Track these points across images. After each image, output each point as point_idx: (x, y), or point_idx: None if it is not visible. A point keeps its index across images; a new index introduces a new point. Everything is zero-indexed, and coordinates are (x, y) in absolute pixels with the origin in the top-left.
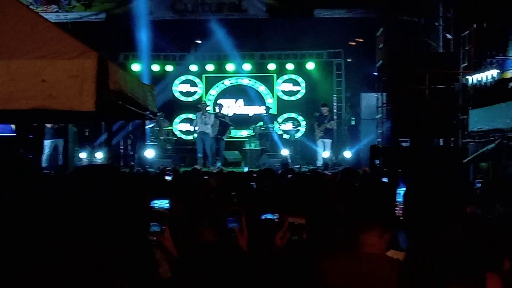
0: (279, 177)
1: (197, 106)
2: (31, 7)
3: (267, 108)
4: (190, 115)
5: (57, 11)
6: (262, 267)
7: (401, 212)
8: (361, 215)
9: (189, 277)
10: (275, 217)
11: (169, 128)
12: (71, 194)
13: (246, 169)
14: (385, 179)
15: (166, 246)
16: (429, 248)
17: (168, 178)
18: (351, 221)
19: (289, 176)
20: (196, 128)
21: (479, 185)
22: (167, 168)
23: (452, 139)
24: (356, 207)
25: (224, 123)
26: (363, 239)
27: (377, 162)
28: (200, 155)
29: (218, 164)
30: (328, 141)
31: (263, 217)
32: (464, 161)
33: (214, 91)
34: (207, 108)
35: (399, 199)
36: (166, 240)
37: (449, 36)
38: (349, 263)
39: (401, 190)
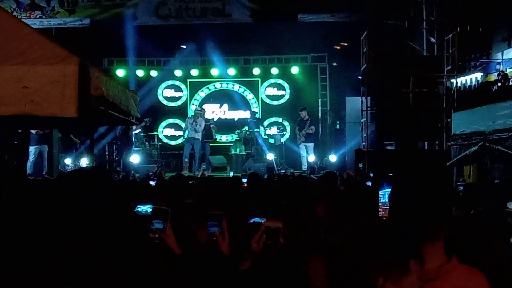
0: (264, 181)
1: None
2: (15, 13)
3: (253, 113)
4: (175, 120)
5: (40, 17)
6: (241, 271)
7: (384, 213)
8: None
9: (187, 276)
10: (263, 221)
11: (155, 133)
12: (61, 196)
13: (231, 174)
14: (368, 183)
15: (168, 243)
16: None
17: (152, 183)
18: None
19: (275, 180)
20: (185, 133)
21: (461, 187)
22: (150, 174)
23: (437, 142)
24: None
25: (208, 126)
26: None
27: (361, 165)
28: (186, 159)
29: (203, 166)
30: (311, 145)
31: (251, 221)
32: (447, 164)
33: (198, 96)
34: (204, 115)
35: (383, 200)
36: (168, 237)
37: (432, 39)
38: None
39: (385, 192)
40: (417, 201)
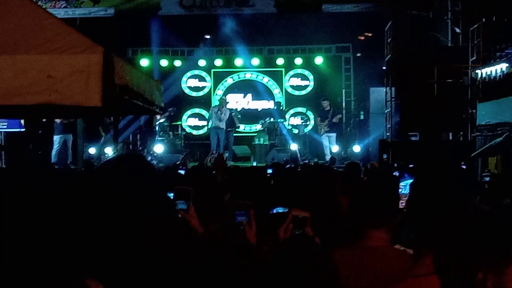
0: (287, 171)
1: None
2: (39, 3)
3: (277, 103)
4: (199, 110)
5: (65, 7)
6: (265, 261)
7: (405, 204)
8: (373, 212)
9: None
10: (285, 210)
11: (178, 123)
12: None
13: (255, 164)
14: (396, 173)
15: (191, 223)
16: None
17: (181, 172)
18: (359, 216)
19: (298, 170)
20: (209, 123)
21: (487, 179)
22: (177, 163)
23: (461, 133)
24: (367, 203)
25: (230, 115)
26: (371, 233)
27: (385, 156)
28: (214, 150)
29: (225, 155)
30: (333, 135)
31: (274, 211)
32: (472, 155)
33: (222, 86)
34: (227, 106)
35: (404, 191)
36: (191, 217)
37: (457, 30)
38: (359, 256)
39: (406, 183)
40: (438, 192)
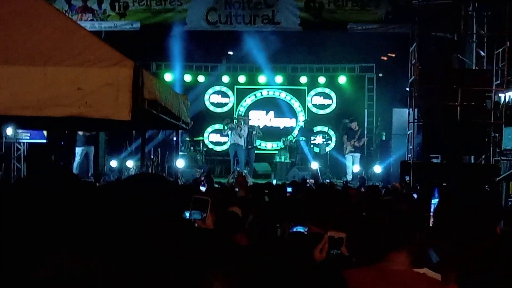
0: (306, 190)
1: (231, 118)
2: (66, 15)
3: (306, 121)
4: (221, 126)
5: (92, 20)
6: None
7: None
8: (394, 236)
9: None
10: (305, 229)
11: (200, 138)
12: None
13: (275, 182)
14: (414, 195)
15: None
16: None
17: (202, 188)
18: (379, 238)
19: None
20: (228, 134)
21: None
22: (201, 178)
23: (483, 156)
24: (390, 226)
25: (250, 133)
26: (392, 256)
27: (407, 178)
28: (232, 167)
29: (245, 171)
30: (358, 155)
31: (294, 229)
32: (497, 179)
33: (245, 103)
34: (246, 121)
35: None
36: (208, 227)
37: (482, 53)
38: (379, 278)
39: (436, 201)
40: (463, 213)
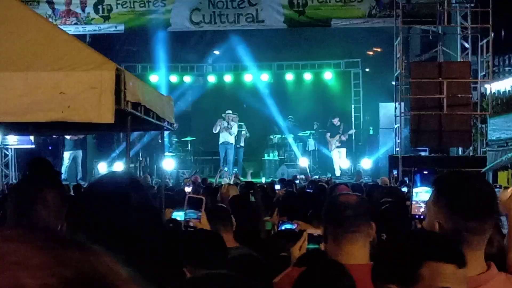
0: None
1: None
2: (50, 19)
3: (290, 119)
4: None
5: (76, 24)
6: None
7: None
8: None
9: None
10: (294, 226)
11: (188, 139)
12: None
13: (264, 180)
14: (404, 189)
15: None
16: None
17: (187, 189)
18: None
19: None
20: (217, 130)
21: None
22: (186, 178)
23: (471, 148)
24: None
25: (239, 132)
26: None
27: (395, 172)
28: (225, 168)
29: (235, 170)
30: (343, 150)
31: (283, 227)
32: (483, 170)
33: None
34: (235, 120)
35: (415, 198)
36: (203, 226)
37: (466, 45)
38: None
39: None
40: (464, 204)
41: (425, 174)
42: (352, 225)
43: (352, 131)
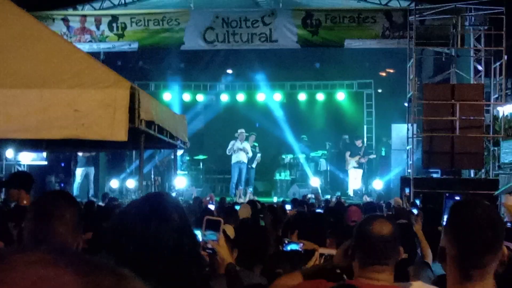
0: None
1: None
2: (65, 37)
3: (304, 138)
4: None
5: (90, 41)
6: None
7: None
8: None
9: None
10: (299, 246)
11: (200, 157)
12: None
13: (275, 199)
14: (414, 210)
15: (221, 254)
16: None
17: (211, 206)
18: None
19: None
20: (230, 153)
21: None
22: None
23: (483, 170)
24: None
25: (254, 152)
26: (375, 271)
27: (407, 190)
28: (235, 187)
29: (249, 190)
30: (361, 171)
31: (288, 248)
32: (495, 193)
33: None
34: (250, 140)
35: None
36: (221, 247)
37: (480, 67)
38: None
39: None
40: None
41: (457, 200)
42: (383, 257)
43: (373, 156)
